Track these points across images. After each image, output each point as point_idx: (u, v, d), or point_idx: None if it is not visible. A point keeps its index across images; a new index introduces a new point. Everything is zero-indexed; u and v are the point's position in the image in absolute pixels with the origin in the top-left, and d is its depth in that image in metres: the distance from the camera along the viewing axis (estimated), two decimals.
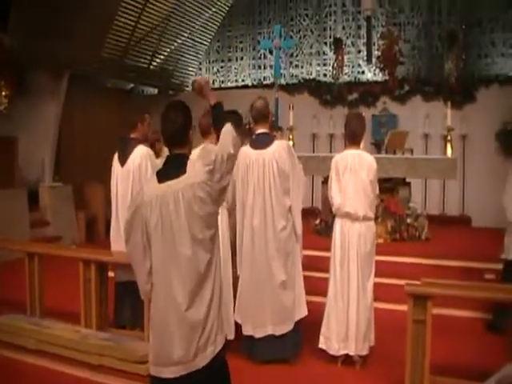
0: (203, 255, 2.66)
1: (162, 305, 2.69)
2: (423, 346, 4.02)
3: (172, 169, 2.71)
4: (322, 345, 4.94)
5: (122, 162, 5.47)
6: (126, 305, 5.48)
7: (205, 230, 2.65)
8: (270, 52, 13.59)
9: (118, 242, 5.34)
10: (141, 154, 5.42)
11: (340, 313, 4.83)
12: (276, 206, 4.87)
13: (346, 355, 4.84)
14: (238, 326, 5.07)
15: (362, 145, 5.21)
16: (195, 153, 4.47)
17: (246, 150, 5.00)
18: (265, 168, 4.88)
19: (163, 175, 2.72)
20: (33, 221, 10.00)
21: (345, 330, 4.80)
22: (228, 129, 2.85)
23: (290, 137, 10.99)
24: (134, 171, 5.38)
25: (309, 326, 5.13)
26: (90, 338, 5.02)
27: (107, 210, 6.88)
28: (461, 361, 4.92)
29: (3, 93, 10.13)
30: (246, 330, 4.97)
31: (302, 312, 5.01)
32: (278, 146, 4.94)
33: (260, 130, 5.05)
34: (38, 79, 10.56)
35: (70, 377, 4.78)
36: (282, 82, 13.39)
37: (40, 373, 4.90)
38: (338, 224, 4.95)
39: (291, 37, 13.55)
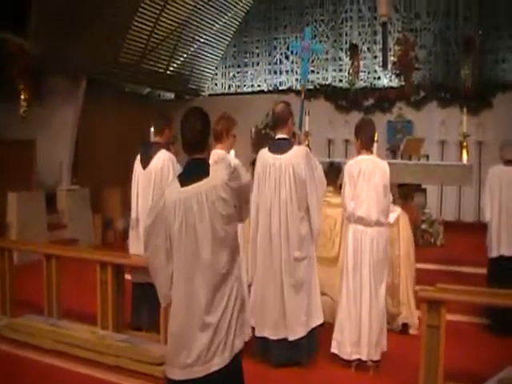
0: (225, 256, 2.68)
1: (184, 308, 2.70)
2: (437, 352, 4.02)
3: (194, 173, 2.74)
4: (334, 349, 4.95)
5: (145, 164, 5.52)
6: (143, 307, 5.53)
7: (227, 228, 2.67)
8: (286, 57, 13.75)
9: (137, 245, 5.39)
10: (163, 157, 5.46)
11: (352, 318, 4.84)
12: (292, 211, 4.86)
13: (359, 360, 4.84)
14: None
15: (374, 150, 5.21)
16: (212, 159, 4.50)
17: (265, 154, 5.01)
18: (281, 173, 4.86)
19: (185, 179, 2.74)
20: (50, 223, 10.09)
21: (357, 335, 4.80)
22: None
23: (306, 142, 11.00)
24: (155, 174, 5.42)
25: (321, 330, 5.13)
26: (107, 339, 5.10)
27: (124, 213, 6.94)
28: (469, 366, 4.90)
29: (22, 96, 10.26)
30: (260, 332, 4.97)
31: (319, 319, 4.98)
32: (296, 152, 4.89)
33: (279, 135, 5.01)
34: (56, 83, 10.68)
35: (87, 377, 4.84)
36: (298, 87, 13.43)
37: (57, 373, 4.96)
38: (350, 230, 4.93)
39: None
